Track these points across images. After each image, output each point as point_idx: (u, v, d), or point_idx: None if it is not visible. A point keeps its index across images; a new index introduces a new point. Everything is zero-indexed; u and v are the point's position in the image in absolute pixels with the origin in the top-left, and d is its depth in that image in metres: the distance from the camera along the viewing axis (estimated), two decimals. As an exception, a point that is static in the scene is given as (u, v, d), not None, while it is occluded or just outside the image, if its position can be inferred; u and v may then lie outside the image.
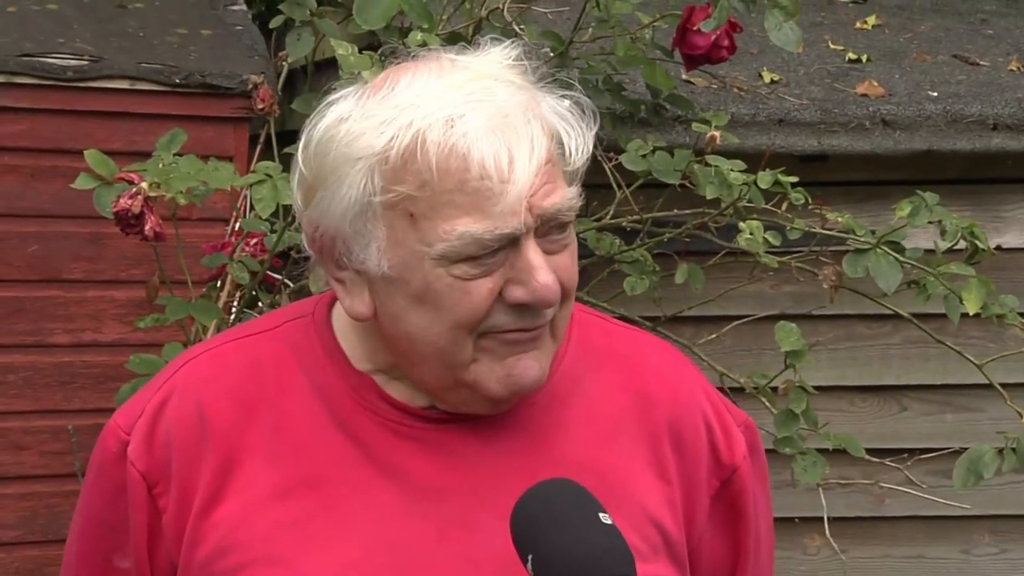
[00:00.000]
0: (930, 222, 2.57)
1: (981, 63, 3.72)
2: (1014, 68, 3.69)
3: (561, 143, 1.42)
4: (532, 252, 1.39)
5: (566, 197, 1.40)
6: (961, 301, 2.53)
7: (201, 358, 1.54)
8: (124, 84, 3.47)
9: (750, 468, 1.57)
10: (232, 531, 1.45)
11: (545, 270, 1.39)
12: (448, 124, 1.37)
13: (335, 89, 1.45)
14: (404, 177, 1.37)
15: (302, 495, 1.45)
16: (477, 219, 1.36)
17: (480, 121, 1.37)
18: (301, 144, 1.45)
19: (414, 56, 1.44)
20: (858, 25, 3.94)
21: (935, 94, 3.52)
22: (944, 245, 2.59)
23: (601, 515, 1.33)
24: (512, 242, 1.38)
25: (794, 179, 2.66)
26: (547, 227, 1.40)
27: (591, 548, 1.30)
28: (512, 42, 1.45)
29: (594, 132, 1.45)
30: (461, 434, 1.47)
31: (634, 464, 1.50)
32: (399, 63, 1.45)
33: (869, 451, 2.95)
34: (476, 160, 1.36)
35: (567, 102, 1.44)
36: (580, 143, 1.43)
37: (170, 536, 1.48)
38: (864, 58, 3.72)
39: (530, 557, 1.32)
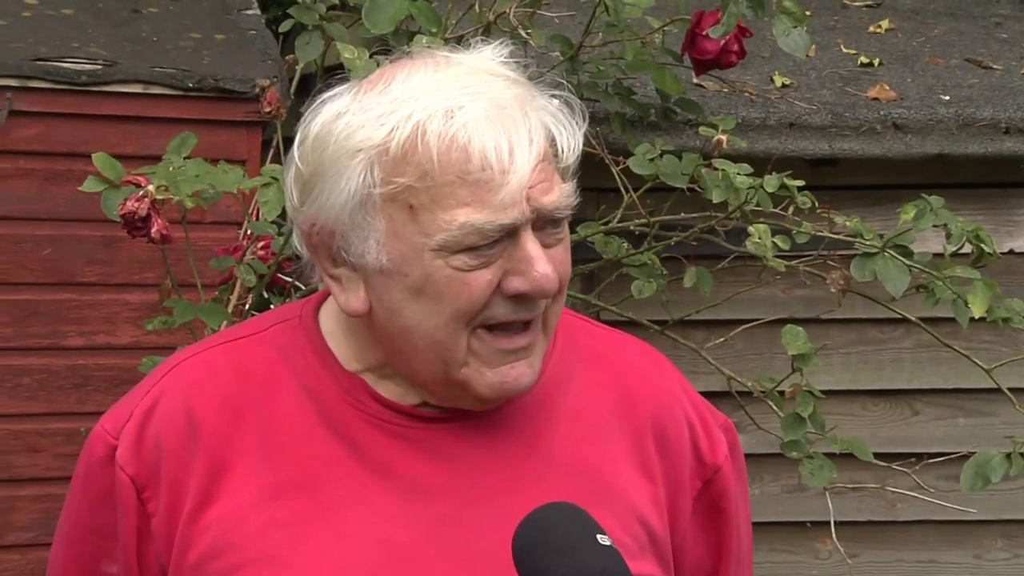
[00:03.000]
0: (935, 226, 2.56)
1: (994, 67, 3.70)
2: (1027, 72, 3.68)
3: (554, 141, 1.43)
4: (531, 243, 1.40)
5: (563, 194, 1.42)
6: (967, 304, 2.53)
7: (188, 362, 1.53)
8: (137, 88, 3.50)
9: (731, 469, 1.58)
10: (225, 532, 1.45)
11: (544, 260, 1.40)
12: (448, 115, 1.38)
13: (328, 89, 1.46)
14: (404, 169, 1.39)
15: (295, 496, 1.45)
16: (478, 209, 1.37)
17: (479, 112, 1.38)
18: (297, 141, 1.46)
19: (408, 54, 1.46)
20: (871, 29, 3.93)
21: (947, 98, 3.51)
22: (950, 248, 2.59)
23: (599, 536, 1.34)
24: (511, 233, 1.40)
25: (800, 183, 2.65)
26: (543, 222, 1.41)
27: (587, 570, 1.31)
28: (502, 41, 1.46)
29: (583, 130, 1.46)
30: (452, 432, 1.48)
31: (620, 462, 1.51)
32: (393, 61, 1.46)
33: (881, 455, 2.94)
34: (477, 151, 1.37)
35: (556, 101, 1.45)
36: (572, 141, 1.44)
37: (160, 540, 1.48)
38: (876, 62, 3.71)
39: None
